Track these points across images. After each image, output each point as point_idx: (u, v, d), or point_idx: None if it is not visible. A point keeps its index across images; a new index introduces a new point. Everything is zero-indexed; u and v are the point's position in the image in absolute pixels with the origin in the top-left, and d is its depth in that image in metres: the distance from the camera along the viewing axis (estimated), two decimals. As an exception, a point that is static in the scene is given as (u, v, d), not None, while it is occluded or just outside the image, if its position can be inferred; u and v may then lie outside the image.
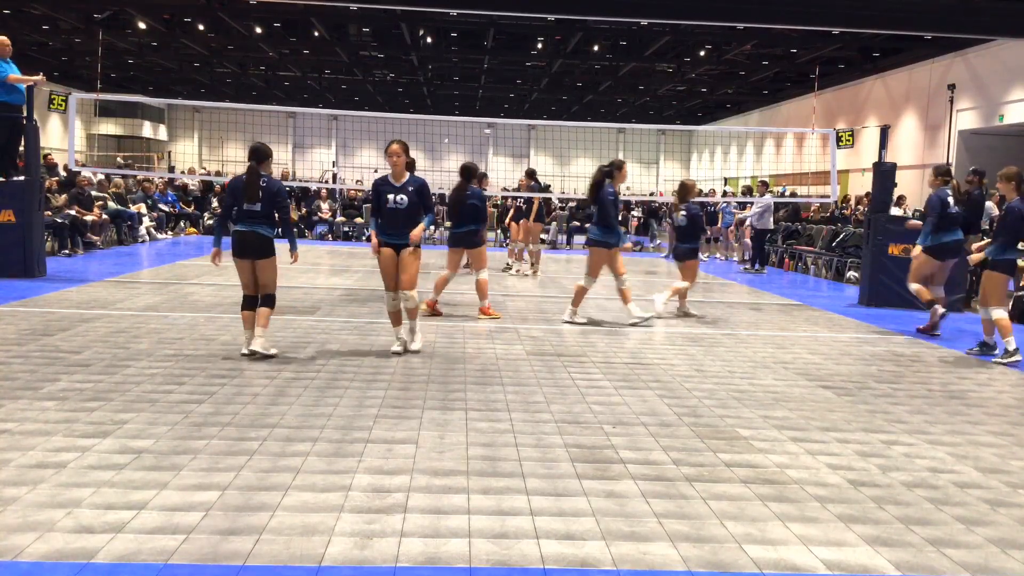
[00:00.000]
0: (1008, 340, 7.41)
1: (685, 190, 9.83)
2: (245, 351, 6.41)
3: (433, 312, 8.80)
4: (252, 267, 6.45)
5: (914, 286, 8.89)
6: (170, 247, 16.71)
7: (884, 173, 11.47)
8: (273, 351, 6.44)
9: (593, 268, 8.66)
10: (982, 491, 4.04)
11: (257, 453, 4.14)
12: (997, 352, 7.65)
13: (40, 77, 10.95)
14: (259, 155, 6.48)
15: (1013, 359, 7.33)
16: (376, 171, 39.18)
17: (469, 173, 9.17)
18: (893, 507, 3.77)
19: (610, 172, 8.66)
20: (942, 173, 9.14)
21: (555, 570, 3.02)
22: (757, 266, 15.66)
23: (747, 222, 16.26)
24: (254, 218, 6.39)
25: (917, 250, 8.92)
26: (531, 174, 14.47)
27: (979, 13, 12.53)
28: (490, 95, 37.69)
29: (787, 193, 23.51)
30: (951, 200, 8.82)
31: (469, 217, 9.01)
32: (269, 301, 6.49)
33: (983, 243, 8.28)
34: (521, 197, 14.22)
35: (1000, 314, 7.52)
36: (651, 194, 37.63)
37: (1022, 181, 7.55)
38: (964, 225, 9.46)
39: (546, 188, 14.51)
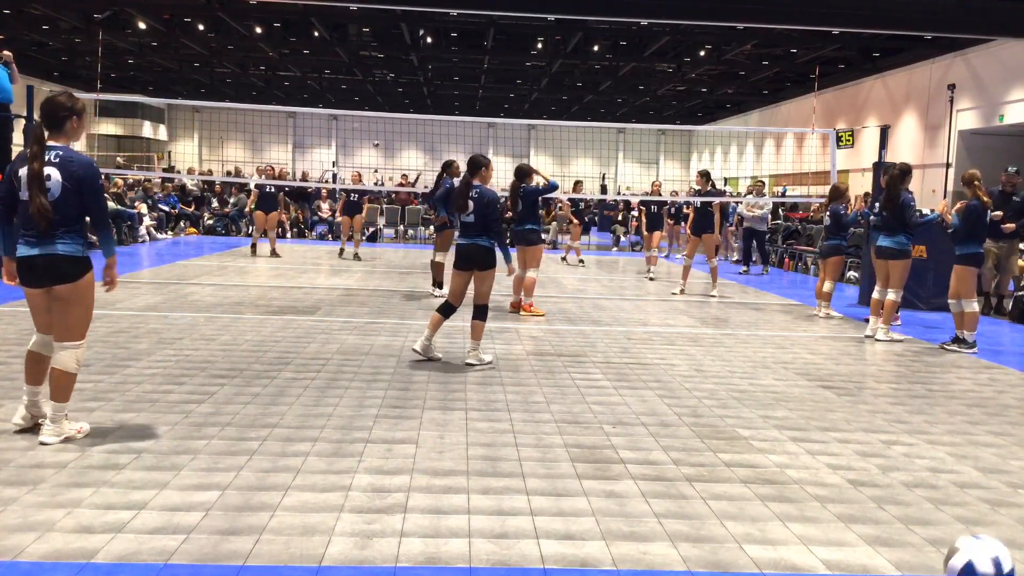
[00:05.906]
0: (972, 332, 7.93)
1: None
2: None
3: (529, 311, 9.19)
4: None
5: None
6: (170, 247, 16.71)
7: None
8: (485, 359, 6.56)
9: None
10: (982, 491, 4.04)
11: (257, 453, 4.14)
12: (969, 340, 8.00)
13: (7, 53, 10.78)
14: None
15: (972, 350, 7.90)
16: (376, 171, 39.29)
17: (521, 173, 9.48)
18: (893, 507, 3.77)
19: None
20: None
21: (555, 570, 3.02)
22: (759, 267, 15.63)
23: (744, 223, 16.16)
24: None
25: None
26: (706, 175, 12.48)
27: (979, 13, 12.52)
28: (490, 95, 37.68)
29: (784, 193, 23.49)
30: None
31: (523, 215, 9.32)
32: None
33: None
34: (692, 202, 11.96)
35: (973, 307, 7.93)
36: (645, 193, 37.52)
37: (972, 180, 8.06)
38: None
39: (720, 192, 12.49)
